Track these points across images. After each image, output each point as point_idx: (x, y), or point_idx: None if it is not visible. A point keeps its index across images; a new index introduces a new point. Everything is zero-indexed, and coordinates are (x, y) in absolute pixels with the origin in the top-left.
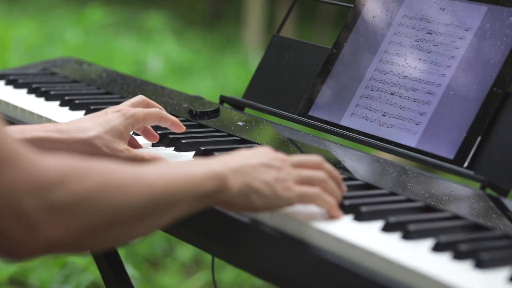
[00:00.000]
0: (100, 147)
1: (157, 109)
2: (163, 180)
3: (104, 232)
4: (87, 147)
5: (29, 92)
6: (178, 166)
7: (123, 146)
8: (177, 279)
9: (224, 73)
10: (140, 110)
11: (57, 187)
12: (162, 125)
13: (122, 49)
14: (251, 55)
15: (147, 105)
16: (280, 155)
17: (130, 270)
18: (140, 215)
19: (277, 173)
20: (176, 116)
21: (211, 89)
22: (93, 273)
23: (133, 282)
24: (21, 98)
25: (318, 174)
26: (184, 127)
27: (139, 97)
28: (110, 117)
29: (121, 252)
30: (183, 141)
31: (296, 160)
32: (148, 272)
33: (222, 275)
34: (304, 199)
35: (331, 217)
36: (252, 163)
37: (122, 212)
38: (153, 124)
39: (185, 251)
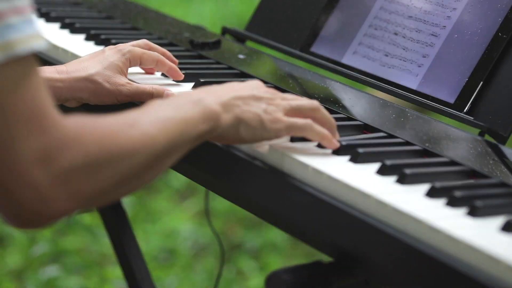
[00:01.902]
0: (101, 82)
1: (156, 53)
2: (164, 131)
3: (112, 192)
4: (89, 84)
5: None
6: (175, 109)
7: (124, 80)
8: (170, 204)
9: None
10: (138, 48)
11: (66, 155)
12: (160, 69)
13: None
14: None
15: (150, 49)
16: (272, 89)
17: None
18: (145, 171)
19: (266, 105)
20: (177, 46)
21: (214, 13)
22: None
23: (126, 206)
24: None
25: (309, 102)
26: (182, 75)
27: (142, 41)
28: (108, 53)
29: None
30: (183, 72)
31: (290, 96)
32: (140, 195)
33: (215, 202)
34: (293, 129)
35: (326, 146)
36: (243, 95)
37: (129, 172)
38: (151, 66)
39: (179, 176)
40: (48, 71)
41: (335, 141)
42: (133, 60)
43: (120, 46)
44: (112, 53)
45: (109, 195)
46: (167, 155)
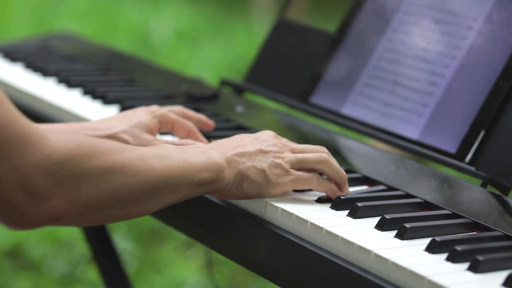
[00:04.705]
0: (127, 139)
1: (190, 123)
2: (164, 165)
3: (104, 210)
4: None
5: (27, 67)
6: (180, 152)
7: (151, 137)
8: (176, 254)
9: (231, 39)
10: (172, 114)
11: (65, 164)
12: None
13: (127, 14)
14: (260, 19)
15: (185, 117)
16: (283, 140)
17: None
18: (140, 197)
19: (273, 158)
20: (175, 99)
21: (219, 55)
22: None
23: (130, 257)
24: (17, 75)
25: (315, 155)
26: None
27: (178, 108)
28: (139, 113)
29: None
30: None
31: (299, 148)
32: (145, 245)
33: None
34: (299, 183)
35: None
36: (249, 151)
37: (123, 194)
38: (183, 135)
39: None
40: (72, 128)
41: (341, 190)
42: (164, 124)
43: (153, 108)
44: (143, 114)
45: (103, 211)
46: (166, 190)
